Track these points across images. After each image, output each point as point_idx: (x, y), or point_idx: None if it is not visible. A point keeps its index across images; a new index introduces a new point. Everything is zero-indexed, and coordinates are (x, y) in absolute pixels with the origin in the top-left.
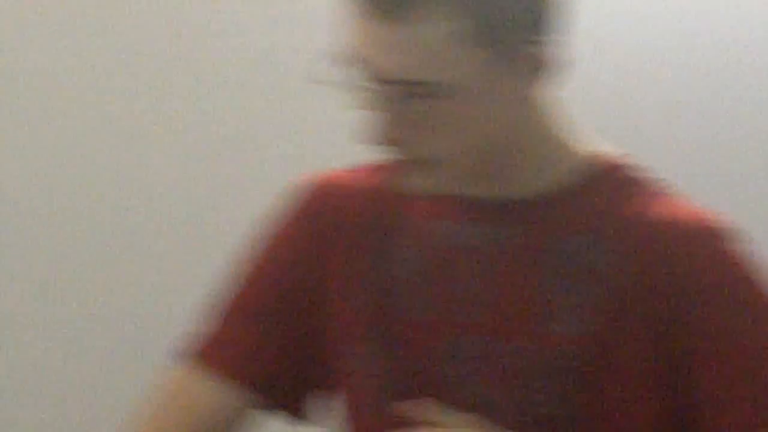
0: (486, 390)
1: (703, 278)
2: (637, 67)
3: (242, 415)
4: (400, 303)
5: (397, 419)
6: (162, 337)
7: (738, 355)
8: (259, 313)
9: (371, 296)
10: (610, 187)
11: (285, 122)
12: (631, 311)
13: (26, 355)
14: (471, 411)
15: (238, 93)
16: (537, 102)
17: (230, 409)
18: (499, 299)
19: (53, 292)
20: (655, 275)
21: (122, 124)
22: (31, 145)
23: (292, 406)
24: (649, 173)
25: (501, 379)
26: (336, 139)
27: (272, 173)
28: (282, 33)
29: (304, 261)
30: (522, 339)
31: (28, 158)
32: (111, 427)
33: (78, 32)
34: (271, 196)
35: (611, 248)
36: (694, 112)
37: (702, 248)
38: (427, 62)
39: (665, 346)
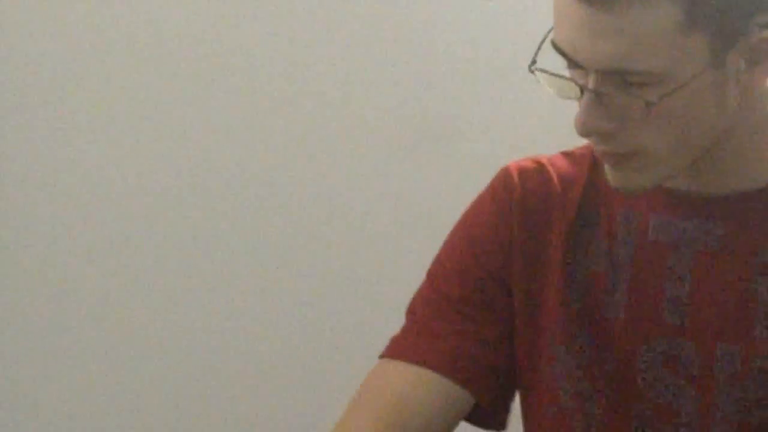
0: (689, 396)
1: None
2: None
3: (457, 408)
4: (598, 300)
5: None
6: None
7: None
8: (455, 303)
9: (565, 293)
10: None
11: (496, 112)
12: None
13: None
14: (671, 418)
15: (448, 83)
16: (757, 90)
17: (440, 402)
18: (704, 300)
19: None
20: None
21: (327, 120)
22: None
23: (494, 407)
24: None
25: (706, 385)
26: (549, 130)
27: (483, 165)
28: (496, 22)
29: (497, 251)
30: (730, 342)
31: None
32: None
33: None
34: (477, 189)
35: None
36: None
37: None
38: (645, 50)
39: None
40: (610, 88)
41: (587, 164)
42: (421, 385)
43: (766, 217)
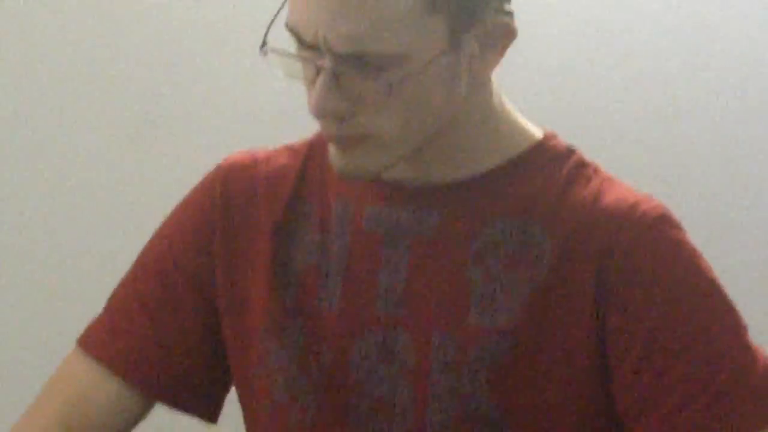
0: (407, 388)
1: (643, 258)
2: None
3: (132, 411)
4: (311, 293)
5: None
6: None
7: (668, 326)
8: (148, 301)
9: (275, 287)
10: (540, 168)
11: (230, 96)
12: (564, 297)
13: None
14: (387, 411)
15: (176, 68)
16: (486, 78)
17: (116, 405)
18: (420, 290)
19: None
20: (590, 257)
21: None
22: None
23: (186, 404)
24: (578, 153)
25: (421, 376)
26: (282, 113)
27: (214, 151)
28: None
29: (197, 247)
30: (444, 333)
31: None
32: None
33: None
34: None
35: (541, 232)
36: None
37: (642, 230)
38: (386, 32)
39: (601, 325)
40: (348, 68)
41: (302, 157)
42: (101, 383)
43: (479, 206)
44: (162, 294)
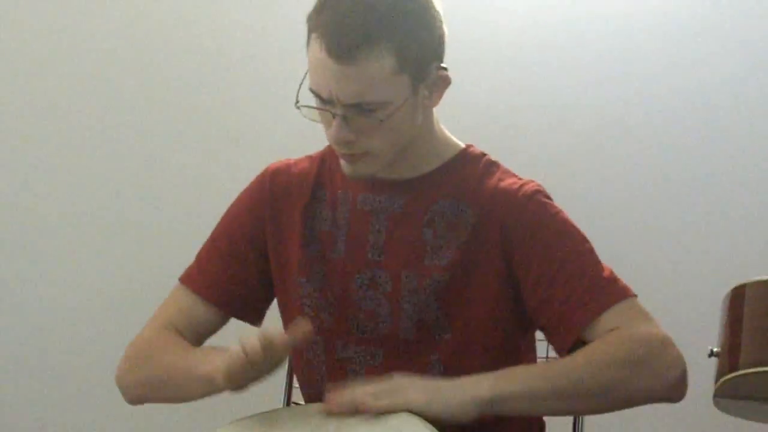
0: (386, 305)
1: (527, 217)
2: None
3: (213, 320)
4: (326, 248)
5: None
6: None
7: (548, 255)
8: (222, 252)
9: (304, 245)
10: (464, 167)
11: (277, 127)
12: (481, 246)
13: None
14: (374, 318)
15: (241, 96)
16: (429, 110)
17: (202, 316)
18: (392, 245)
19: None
20: (496, 221)
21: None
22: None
23: (248, 317)
24: (487, 156)
25: (395, 297)
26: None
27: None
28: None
29: (253, 220)
30: (408, 270)
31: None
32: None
33: None
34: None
35: (466, 207)
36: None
37: (525, 201)
38: (374, 88)
39: (506, 262)
40: (352, 113)
41: (317, 163)
42: (195, 306)
43: (428, 192)
44: (233, 248)
